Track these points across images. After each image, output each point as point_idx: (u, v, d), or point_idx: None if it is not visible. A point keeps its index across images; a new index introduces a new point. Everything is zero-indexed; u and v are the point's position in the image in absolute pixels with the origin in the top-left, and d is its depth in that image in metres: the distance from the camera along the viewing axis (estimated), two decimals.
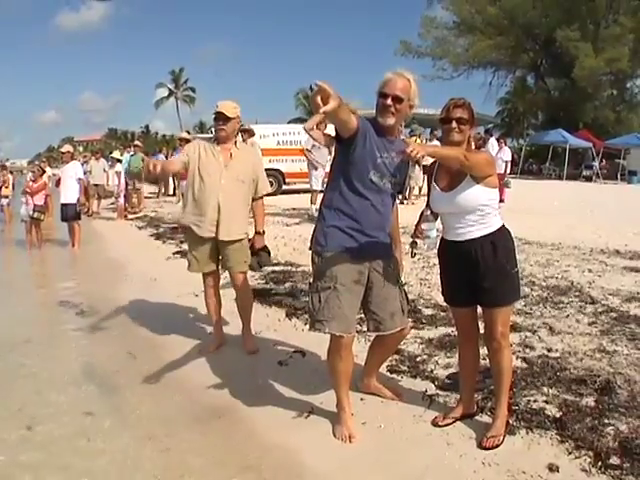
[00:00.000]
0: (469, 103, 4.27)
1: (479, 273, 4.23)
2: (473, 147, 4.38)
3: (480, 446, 4.28)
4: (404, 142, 4.50)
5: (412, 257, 4.97)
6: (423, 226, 4.46)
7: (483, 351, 4.69)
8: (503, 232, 4.33)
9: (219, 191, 6.03)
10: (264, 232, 6.58)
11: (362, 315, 4.77)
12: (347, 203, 4.41)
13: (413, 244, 4.69)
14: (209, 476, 4.14)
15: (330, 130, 7.30)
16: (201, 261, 6.23)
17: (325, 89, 3.52)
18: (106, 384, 5.73)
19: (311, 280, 4.61)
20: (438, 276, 4.79)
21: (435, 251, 4.66)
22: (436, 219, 4.54)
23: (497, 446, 4.27)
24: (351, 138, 4.24)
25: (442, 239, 4.49)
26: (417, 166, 16.85)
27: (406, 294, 4.86)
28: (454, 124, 4.18)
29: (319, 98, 3.56)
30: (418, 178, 18.74)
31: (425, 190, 5.02)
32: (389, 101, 4.29)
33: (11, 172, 23.53)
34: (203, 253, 6.21)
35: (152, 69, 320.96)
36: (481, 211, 4.21)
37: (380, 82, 4.39)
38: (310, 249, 4.61)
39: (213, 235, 6.09)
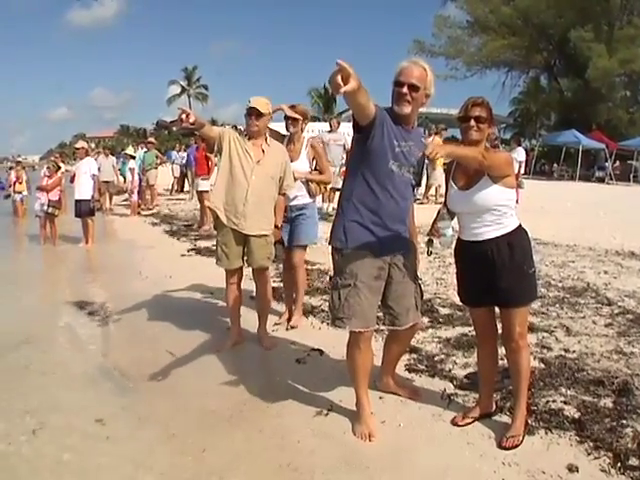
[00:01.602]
0: (487, 102, 4.28)
1: (496, 273, 4.23)
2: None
3: (500, 446, 4.30)
4: (423, 143, 4.51)
5: (428, 255, 4.97)
6: (439, 224, 4.49)
7: (502, 351, 4.71)
8: (520, 232, 4.33)
9: (248, 186, 6.07)
10: (282, 226, 6.66)
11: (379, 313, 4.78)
12: (367, 196, 4.41)
13: (429, 242, 4.72)
14: (229, 476, 4.14)
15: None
16: (231, 257, 6.24)
17: (346, 68, 3.48)
18: (121, 383, 5.72)
19: (332, 275, 4.63)
20: (454, 276, 4.80)
21: (451, 250, 4.69)
22: (452, 218, 4.55)
23: (516, 446, 4.28)
24: (369, 126, 4.21)
25: (458, 239, 4.51)
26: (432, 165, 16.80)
27: (421, 289, 4.87)
28: (472, 122, 4.19)
29: (339, 77, 3.51)
30: (435, 177, 18.66)
31: (443, 190, 5.02)
32: (405, 89, 4.26)
33: (24, 167, 23.59)
34: (233, 249, 6.22)
35: (162, 66, 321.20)
36: (498, 211, 4.22)
37: (395, 70, 4.37)
38: (329, 244, 4.62)
39: (235, 227, 6.13)
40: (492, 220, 4.23)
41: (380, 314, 4.85)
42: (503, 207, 4.24)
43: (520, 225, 4.35)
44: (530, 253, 4.38)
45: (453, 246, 4.56)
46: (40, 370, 6.02)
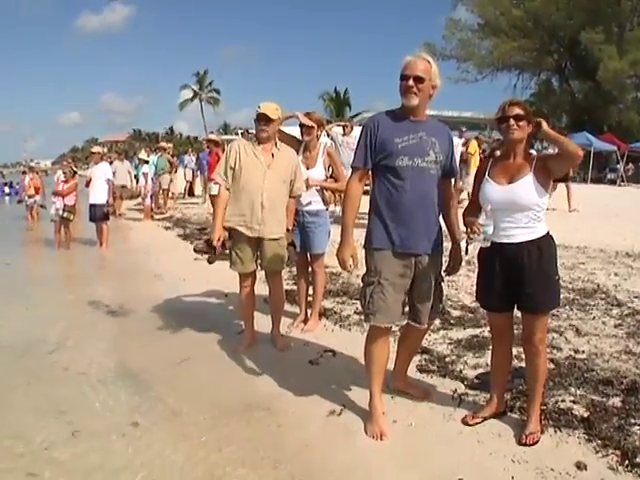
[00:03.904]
0: (523, 101, 4.38)
1: (523, 278, 4.27)
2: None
3: (520, 443, 4.37)
4: (440, 132, 4.69)
5: (466, 254, 4.97)
6: (481, 221, 4.44)
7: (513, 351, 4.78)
8: (548, 238, 4.38)
9: (262, 191, 6.14)
10: (293, 229, 6.74)
11: None
12: (384, 194, 4.55)
13: (469, 240, 4.61)
14: (243, 470, 4.23)
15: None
16: (245, 261, 6.32)
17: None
18: (142, 385, 5.78)
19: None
20: (465, 278, 4.85)
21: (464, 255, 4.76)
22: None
23: (536, 442, 4.36)
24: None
25: None
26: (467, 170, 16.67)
27: (442, 290, 4.96)
28: (512, 121, 4.25)
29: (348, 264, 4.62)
30: (469, 183, 18.53)
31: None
32: (411, 82, 4.41)
33: (37, 173, 23.72)
34: (247, 253, 6.30)
35: (174, 71, 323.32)
36: (534, 211, 4.27)
37: (401, 65, 4.51)
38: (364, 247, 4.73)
39: (259, 235, 6.21)
40: (526, 222, 4.28)
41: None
42: (539, 209, 4.29)
43: (548, 231, 4.39)
44: (556, 259, 4.43)
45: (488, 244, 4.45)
46: (60, 373, 6.11)
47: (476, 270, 4.75)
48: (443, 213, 4.83)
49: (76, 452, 4.52)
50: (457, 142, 18.11)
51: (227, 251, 6.41)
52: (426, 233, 4.58)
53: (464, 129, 19.54)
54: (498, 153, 4.63)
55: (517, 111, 4.25)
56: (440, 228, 4.73)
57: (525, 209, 4.26)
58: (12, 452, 4.51)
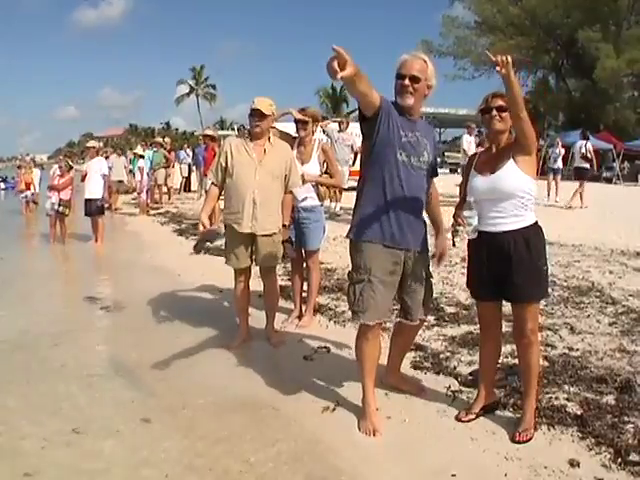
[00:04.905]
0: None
1: (511, 268, 4.28)
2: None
3: (513, 440, 4.37)
4: (431, 133, 4.66)
5: (453, 246, 4.98)
6: (465, 213, 4.47)
7: (505, 349, 4.77)
8: (536, 228, 4.38)
9: (254, 187, 6.12)
10: (290, 225, 6.71)
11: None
12: (378, 187, 4.50)
13: (455, 232, 4.66)
14: (237, 469, 4.21)
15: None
16: (239, 257, 6.32)
17: (342, 54, 3.61)
18: (136, 381, 5.77)
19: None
20: (460, 275, 4.85)
21: (457, 246, 4.75)
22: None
23: (529, 439, 4.36)
24: (374, 117, 4.35)
25: None
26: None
27: (431, 286, 4.95)
28: (495, 112, 4.30)
29: (336, 64, 3.65)
30: None
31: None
32: (406, 81, 4.39)
33: (32, 168, 23.74)
34: (241, 249, 6.29)
35: (171, 66, 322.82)
36: (519, 199, 4.27)
37: (396, 64, 4.48)
38: (346, 237, 4.70)
39: (251, 230, 6.19)
40: (512, 210, 4.28)
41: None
42: (525, 195, 4.29)
43: (537, 221, 4.40)
44: (545, 250, 4.44)
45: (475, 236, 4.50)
46: (57, 367, 6.11)
47: None
48: (429, 210, 4.92)
49: (73, 450, 4.48)
50: (470, 140, 18.05)
51: (220, 245, 6.44)
52: (415, 230, 4.60)
53: (473, 125, 19.38)
54: None
55: (500, 103, 4.30)
56: (425, 226, 4.77)
57: (510, 197, 4.27)
58: (7, 450, 4.48)
